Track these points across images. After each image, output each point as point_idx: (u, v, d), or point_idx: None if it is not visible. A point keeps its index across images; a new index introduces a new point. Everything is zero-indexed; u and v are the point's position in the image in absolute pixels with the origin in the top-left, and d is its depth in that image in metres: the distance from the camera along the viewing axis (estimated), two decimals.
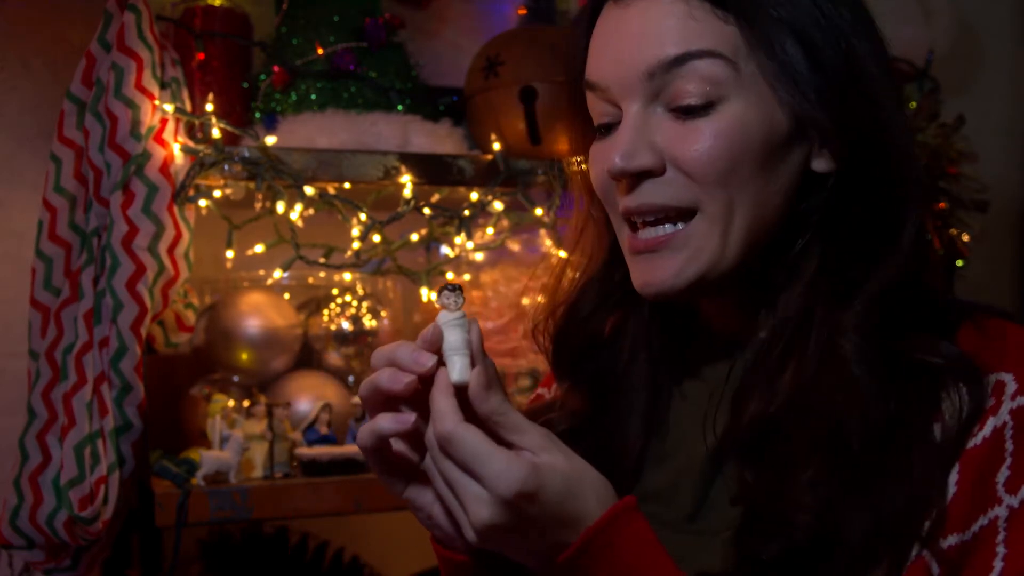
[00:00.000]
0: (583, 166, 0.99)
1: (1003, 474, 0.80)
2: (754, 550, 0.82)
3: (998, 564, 0.78)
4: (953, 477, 0.81)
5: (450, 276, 1.77)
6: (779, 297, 0.89)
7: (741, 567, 0.83)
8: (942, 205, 1.99)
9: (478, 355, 0.81)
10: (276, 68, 1.70)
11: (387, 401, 0.82)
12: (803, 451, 0.83)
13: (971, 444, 0.82)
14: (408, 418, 0.80)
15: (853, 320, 0.85)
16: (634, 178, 0.87)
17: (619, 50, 0.88)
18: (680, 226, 0.87)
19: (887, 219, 0.87)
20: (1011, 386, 0.83)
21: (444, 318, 0.81)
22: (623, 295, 1.00)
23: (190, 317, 1.69)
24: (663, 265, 0.88)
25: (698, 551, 0.90)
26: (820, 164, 0.89)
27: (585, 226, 1.02)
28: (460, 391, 0.80)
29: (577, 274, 1.03)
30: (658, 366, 1.00)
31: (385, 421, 0.81)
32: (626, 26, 0.88)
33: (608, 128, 0.91)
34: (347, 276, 1.81)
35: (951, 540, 0.80)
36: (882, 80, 0.89)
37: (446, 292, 0.82)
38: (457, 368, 0.80)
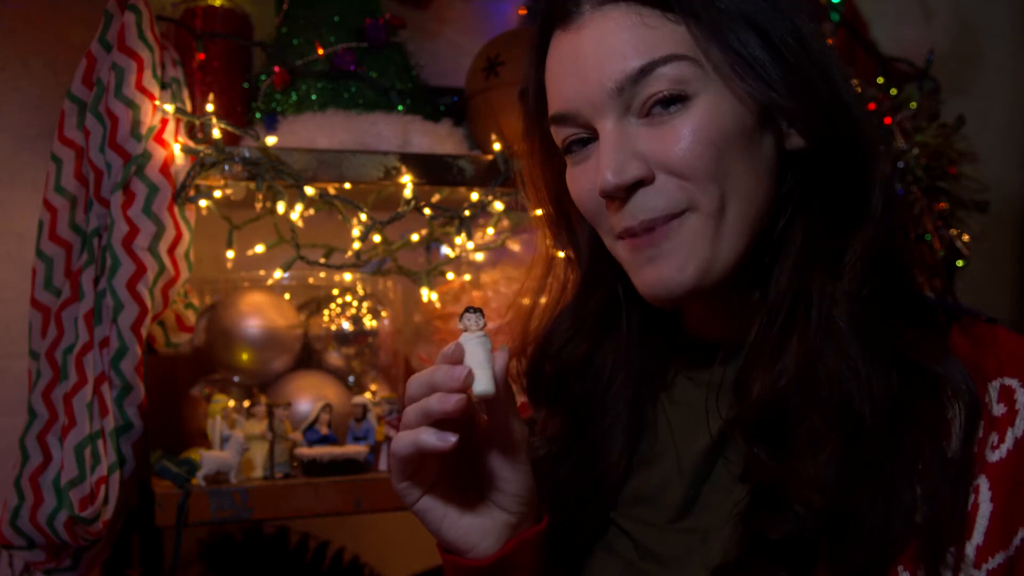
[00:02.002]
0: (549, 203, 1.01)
1: None
2: (762, 529, 0.82)
3: None
4: (986, 494, 0.81)
5: (450, 276, 1.77)
6: (770, 277, 0.90)
7: (746, 549, 0.83)
8: (942, 205, 1.99)
9: (501, 378, 0.83)
10: (276, 68, 1.70)
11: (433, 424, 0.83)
12: (819, 429, 0.83)
13: (995, 458, 0.82)
14: (452, 438, 0.82)
15: (843, 289, 0.86)
16: (626, 192, 0.87)
17: (581, 73, 0.89)
18: (677, 219, 0.87)
19: (858, 184, 0.89)
20: (1021, 393, 0.83)
21: (466, 338, 0.84)
22: (597, 320, 1.01)
23: (190, 317, 1.69)
24: (666, 263, 0.88)
25: (690, 548, 0.91)
26: (792, 142, 0.91)
27: (551, 262, 1.04)
28: (484, 403, 0.83)
29: (542, 310, 1.04)
30: (640, 383, 1.00)
31: (428, 435, 0.82)
32: (582, 49, 0.89)
33: (581, 144, 0.92)
34: (347, 276, 1.81)
35: (998, 559, 0.80)
36: (828, 54, 0.91)
37: (467, 314, 0.84)
38: (480, 380, 0.82)
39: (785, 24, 0.88)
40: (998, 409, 0.83)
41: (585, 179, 0.92)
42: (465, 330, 0.84)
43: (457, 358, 0.82)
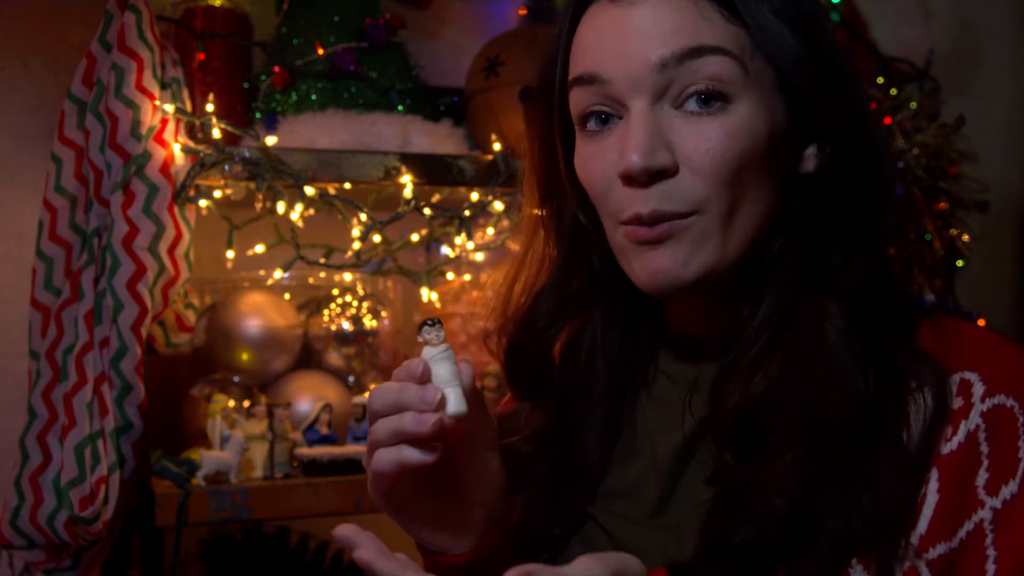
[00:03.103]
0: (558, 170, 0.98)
1: (982, 477, 0.81)
2: (725, 533, 0.82)
3: (991, 567, 0.79)
4: (934, 485, 0.81)
5: (450, 276, 1.77)
6: (764, 290, 0.89)
7: (709, 552, 0.83)
8: (942, 205, 1.99)
9: (470, 393, 0.82)
10: (276, 68, 1.70)
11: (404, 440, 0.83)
12: (786, 434, 0.83)
13: (946, 450, 0.82)
14: (436, 447, 0.81)
15: (837, 306, 0.86)
16: (648, 178, 0.85)
17: (625, 45, 0.86)
18: (684, 220, 0.87)
19: (868, 207, 0.89)
20: (979, 387, 0.83)
21: (429, 353, 0.82)
22: (580, 305, 0.99)
23: (190, 317, 1.69)
24: (671, 255, 0.87)
25: (664, 544, 0.91)
26: (805, 166, 0.91)
27: (535, 235, 1.02)
28: (457, 422, 0.81)
29: (522, 288, 1.01)
30: (618, 372, 1.00)
31: (411, 452, 0.81)
32: (631, 23, 0.86)
33: (601, 122, 0.89)
34: (347, 276, 1.81)
35: (940, 550, 0.80)
36: (860, 84, 0.91)
37: (427, 327, 0.82)
38: (452, 400, 0.80)
39: (824, 37, 0.89)
40: (956, 403, 0.83)
41: (600, 159, 0.89)
42: (426, 343, 0.82)
43: (425, 379, 0.81)
